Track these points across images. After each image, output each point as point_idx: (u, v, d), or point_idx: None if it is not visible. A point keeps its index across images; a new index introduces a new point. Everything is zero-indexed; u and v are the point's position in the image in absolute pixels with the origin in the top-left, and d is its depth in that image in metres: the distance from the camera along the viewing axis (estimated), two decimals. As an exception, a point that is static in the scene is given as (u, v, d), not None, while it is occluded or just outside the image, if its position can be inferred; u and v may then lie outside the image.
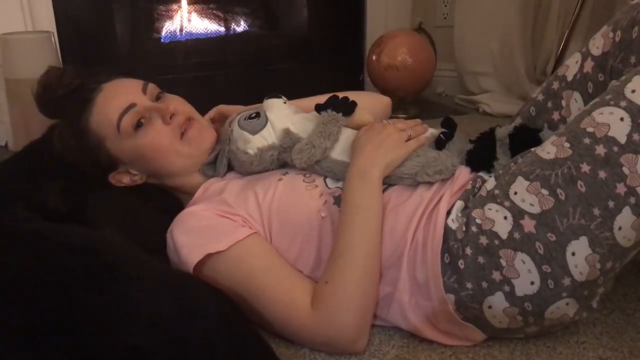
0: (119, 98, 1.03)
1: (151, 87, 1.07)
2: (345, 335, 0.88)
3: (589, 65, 0.97)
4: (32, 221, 0.91)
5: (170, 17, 2.26)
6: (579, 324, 0.97)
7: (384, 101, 1.30)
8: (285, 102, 1.06)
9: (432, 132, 1.03)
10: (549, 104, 1.03)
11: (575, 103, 0.99)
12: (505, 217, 0.85)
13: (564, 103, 1.01)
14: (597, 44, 0.96)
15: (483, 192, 0.91)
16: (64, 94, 1.05)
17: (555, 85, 1.03)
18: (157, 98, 1.06)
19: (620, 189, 0.78)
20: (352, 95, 1.06)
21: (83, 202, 1.02)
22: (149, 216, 1.08)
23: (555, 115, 1.02)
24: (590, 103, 0.86)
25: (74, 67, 1.11)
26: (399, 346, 0.93)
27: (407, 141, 0.99)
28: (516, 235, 0.83)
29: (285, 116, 1.03)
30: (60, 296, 0.75)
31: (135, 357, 0.70)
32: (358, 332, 0.89)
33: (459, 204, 0.92)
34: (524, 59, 2.22)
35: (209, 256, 0.91)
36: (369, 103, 1.18)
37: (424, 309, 0.90)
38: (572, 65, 1.00)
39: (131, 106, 1.02)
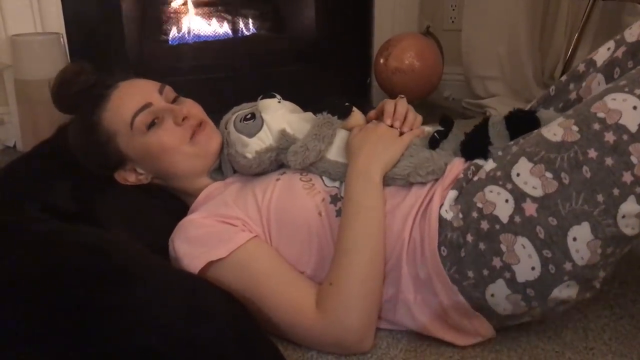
0: (136, 96, 1.04)
1: (167, 89, 1.08)
2: (352, 335, 0.88)
3: (620, 51, 0.94)
4: (44, 222, 0.92)
5: (178, 20, 2.27)
6: (588, 329, 0.96)
7: None
8: (279, 102, 1.05)
9: (429, 130, 1.03)
10: (571, 86, 1.01)
11: (598, 86, 0.96)
12: (507, 200, 0.84)
13: (584, 84, 0.98)
14: (633, 32, 0.94)
15: (482, 175, 0.90)
16: (80, 90, 1.06)
17: (582, 67, 1.00)
18: (173, 101, 1.07)
19: (627, 177, 0.77)
20: None
21: (92, 202, 1.03)
22: (157, 217, 1.08)
23: (573, 95, 1.00)
24: (604, 87, 0.84)
25: (92, 65, 1.10)
26: (406, 350, 0.93)
27: (400, 135, 0.99)
28: (517, 219, 0.82)
29: (280, 116, 1.03)
30: (72, 297, 0.75)
31: (144, 358, 0.71)
32: (364, 331, 0.89)
33: (452, 193, 0.91)
34: (531, 63, 2.22)
35: (210, 264, 0.91)
36: None
37: (431, 305, 0.90)
38: (603, 52, 0.98)
39: (147, 105, 1.02)
